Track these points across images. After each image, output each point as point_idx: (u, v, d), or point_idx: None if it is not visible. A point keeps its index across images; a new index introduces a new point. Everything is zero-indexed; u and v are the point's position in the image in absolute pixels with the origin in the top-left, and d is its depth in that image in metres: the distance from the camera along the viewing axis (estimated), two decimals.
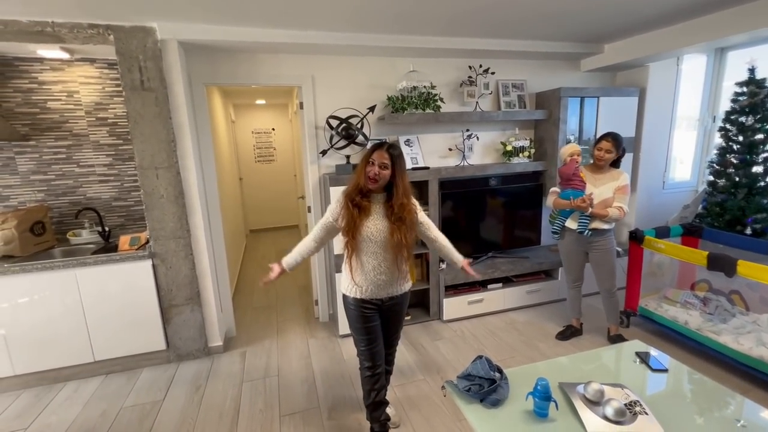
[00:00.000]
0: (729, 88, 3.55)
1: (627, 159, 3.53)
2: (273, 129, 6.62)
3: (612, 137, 2.46)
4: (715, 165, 3.22)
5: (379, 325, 1.79)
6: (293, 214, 6.83)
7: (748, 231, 2.91)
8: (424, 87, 2.96)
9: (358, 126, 2.86)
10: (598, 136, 3.38)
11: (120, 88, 2.64)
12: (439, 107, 3.02)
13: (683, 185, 3.85)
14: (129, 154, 2.81)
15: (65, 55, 2.51)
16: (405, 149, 3.07)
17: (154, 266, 2.51)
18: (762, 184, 2.94)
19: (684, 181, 3.87)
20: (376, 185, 1.62)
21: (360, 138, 2.87)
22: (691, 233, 2.93)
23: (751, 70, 2.98)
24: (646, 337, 2.79)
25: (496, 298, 3.24)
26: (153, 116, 2.35)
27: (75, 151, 2.74)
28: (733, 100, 3.08)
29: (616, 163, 2.55)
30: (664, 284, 3.00)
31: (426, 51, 2.92)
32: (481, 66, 3.18)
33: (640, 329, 2.91)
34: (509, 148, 3.30)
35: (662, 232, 2.86)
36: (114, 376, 2.55)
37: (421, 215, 1.80)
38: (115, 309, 2.48)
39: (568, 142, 3.33)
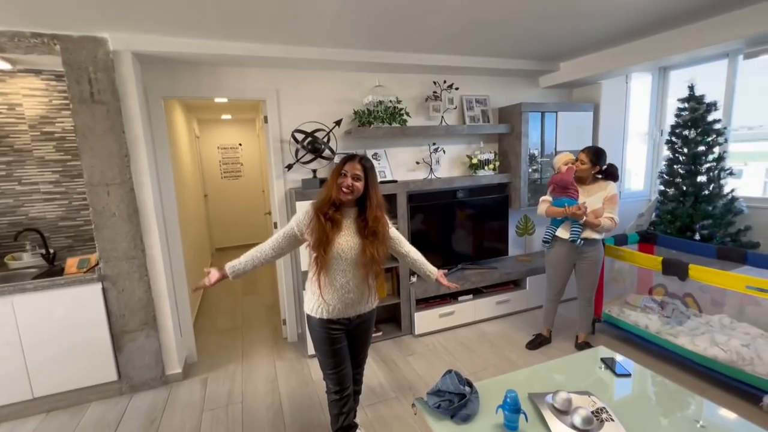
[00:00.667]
0: (673, 104, 3.82)
1: None
2: (240, 144, 6.48)
3: (590, 150, 2.54)
4: (664, 175, 3.42)
5: (346, 346, 1.71)
6: (261, 231, 6.62)
7: (697, 236, 3.09)
8: (390, 101, 2.99)
9: (325, 140, 2.84)
10: (557, 149, 3.55)
11: (68, 101, 2.49)
12: (405, 121, 3.05)
13: (638, 195, 4.06)
14: (78, 171, 2.63)
15: (6, 66, 2.34)
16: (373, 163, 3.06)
17: (104, 290, 2.33)
18: (706, 192, 3.14)
19: (638, 191, 4.09)
20: (349, 197, 1.56)
21: (326, 152, 2.84)
22: (646, 240, 3.08)
23: (691, 87, 3.22)
24: (610, 342, 2.86)
25: (467, 309, 3.24)
26: (104, 130, 2.22)
27: (16, 168, 2.54)
28: (677, 115, 3.31)
29: (611, 176, 2.57)
30: (625, 290, 3.12)
31: (391, 66, 2.96)
32: (445, 81, 3.26)
33: (605, 335, 2.99)
34: (475, 161, 3.37)
35: (621, 240, 2.99)
36: (56, 414, 2.31)
37: (392, 230, 1.75)
38: (58, 338, 2.27)
39: (532, 156, 3.45)
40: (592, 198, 2.53)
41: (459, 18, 2.23)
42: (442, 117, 3.30)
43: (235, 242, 6.65)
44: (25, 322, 2.19)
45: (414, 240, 3.15)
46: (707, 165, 3.17)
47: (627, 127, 3.89)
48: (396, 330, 3.15)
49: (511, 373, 1.73)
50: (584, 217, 2.43)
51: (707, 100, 3.13)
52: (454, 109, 3.38)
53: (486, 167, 3.40)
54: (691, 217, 3.17)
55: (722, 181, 3.12)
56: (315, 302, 1.65)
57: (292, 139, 2.84)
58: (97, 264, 2.37)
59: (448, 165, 3.48)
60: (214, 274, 1.62)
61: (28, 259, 2.54)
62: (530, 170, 3.46)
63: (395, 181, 3.01)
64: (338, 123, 2.88)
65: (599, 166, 2.53)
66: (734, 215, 3.05)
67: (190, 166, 4.62)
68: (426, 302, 3.16)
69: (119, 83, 2.25)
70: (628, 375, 1.71)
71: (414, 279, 3.14)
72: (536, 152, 3.47)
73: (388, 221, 1.71)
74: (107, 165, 2.25)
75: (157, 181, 2.59)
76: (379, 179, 2.98)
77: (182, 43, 2.33)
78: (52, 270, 2.47)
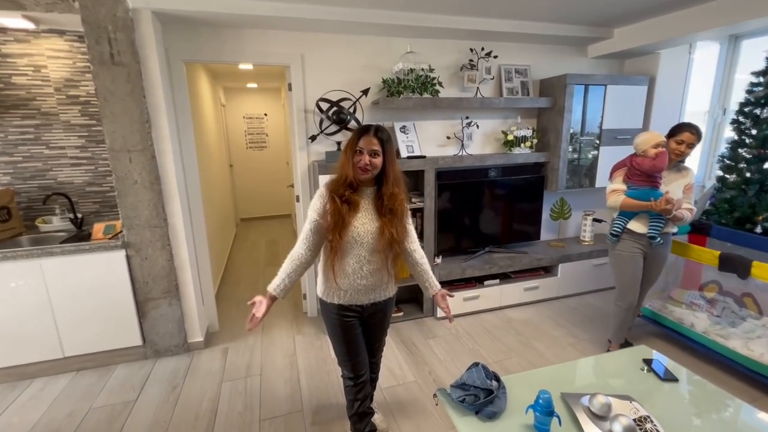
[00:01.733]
0: (741, 80, 3.38)
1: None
2: (265, 114, 6.39)
3: (694, 129, 2.10)
4: (726, 159, 3.06)
5: (361, 333, 1.62)
6: (286, 203, 6.64)
7: (759, 229, 2.77)
8: (422, 70, 2.77)
9: (351, 110, 2.68)
10: (603, 126, 3.23)
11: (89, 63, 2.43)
12: (437, 92, 2.83)
13: None
14: (102, 136, 2.61)
15: (30, 25, 2.29)
16: (401, 136, 2.89)
17: (128, 257, 2.34)
18: None
19: None
20: (368, 176, 1.42)
21: (352, 123, 2.69)
22: (698, 231, 2.79)
23: None
24: (649, 340, 2.67)
25: (493, 294, 3.10)
26: (124, 94, 2.15)
27: (44, 131, 2.54)
28: (748, 91, 2.91)
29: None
30: (668, 284, 2.87)
31: (425, 30, 2.72)
32: (483, 49, 2.99)
33: (642, 331, 2.78)
34: (510, 137, 3.12)
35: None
36: (85, 373, 2.39)
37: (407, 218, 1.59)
38: (86, 302, 2.31)
39: (573, 135, 3.16)
40: (672, 186, 2.16)
41: None
42: (477, 88, 3.05)
43: (259, 213, 6.70)
44: (54, 284, 2.24)
45: (441, 219, 3.00)
46: None
47: (685, 104, 3.49)
48: (417, 311, 3.06)
49: (542, 368, 1.60)
50: (673, 212, 2.05)
51: None
52: (492, 79, 3.11)
53: (522, 145, 3.15)
54: (753, 208, 2.83)
55: None
56: (327, 287, 1.55)
57: (316, 109, 2.69)
58: (121, 231, 2.37)
59: (481, 141, 3.24)
60: (261, 304, 1.43)
61: (57, 222, 2.58)
62: (570, 149, 3.18)
63: (424, 157, 2.84)
64: (365, 92, 2.71)
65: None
66: None
67: (215, 134, 4.58)
68: (450, 285, 3.03)
69: (139, 44, 2.15)
70: (675, 380, 1.54)
71: (438, 260, 3.01)
72: (576, 130, 3.17)
73: (406, 200, 1.55)
74: (128, 131, 2.19)
75: (180, 149, 2.53)
76: (406, 154, 2.83)
77: (200, 1, 2.19)
78: (80, 234, 2.50)
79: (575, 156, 3.24)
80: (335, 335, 1.60)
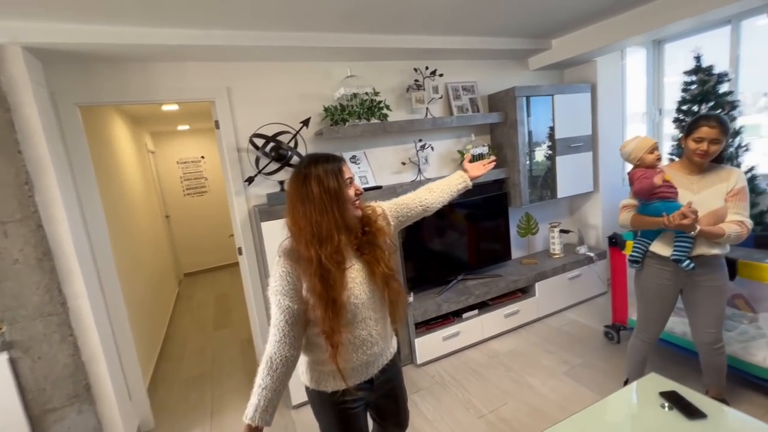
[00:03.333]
0: (670, 82, 3.54)
1: (586, 157, 3.34)
2: (202, 157, 5.88)
3: (718, 120, 1.61)
4: (675, 157, 3.10)
5: (366, 418, 1.25)
6: (233, 250, 6.05)
7: None
8: (366, 94, 2.53)
9: (291, 144, 2.35)
10: (556, 136, 3.17)
11: None
12: (386, 116, 2.59)
13: None
14: None
15: None
16: (352, 168, 2.59)
17: (12, 361, 1.77)
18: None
19: None
20: (360, 211, 1.13)
21: (295, 158, 2.36)
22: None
23: (698, 58, 2.90)
24: None
25: (473, 327, 2.81)
26: None
27: None
28: (684, 90, 2.99)
29: (718, 159, 1.72)
30: None
31: (364, 52, 2.51)
32: (427, 68, 2.83)
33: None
34: (467, 156, 2.95)
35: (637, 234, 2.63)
36: None
37: (388, 205, 1.31)
38: None
39: (531, 147, 3.06)
40: (706, 194, 1.66)
41: None
42: (427, 109, 2.86)
43: (206, 265, 6.04)
44: None
45: (407, 251, 2.71)
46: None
47: (625, 107, 3.56)
48: None
49: (552, 428, 1.30)
50: (696, 227, 1.57)
51: (716, 70, 2.83)
52: (440, 98, 2.95)
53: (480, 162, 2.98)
54: None
55: (740, 159, 2.81)
56: (320, 372, 1.15)
57: (250, 146, 2.34)
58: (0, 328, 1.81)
59: (438, 163, 3.04)
60: None
61: None
62: (528, 162, 3.07)
63: (380, 187, 2.56)
64: (306, 123, 2.40)
65: (726, 143, 1.68)
66: (757, 195, 2.75)
67: (141, 185, 4.03)
68: (426, 325, 2.71)
69: (8, 87, 1.70)
70: (704, 416, 1.31)
71: (411, 298, 2.70)
72: (532, 142, 3.07)
73: (379, 204, 1.28)
74: (0, 197, 1.70)
75: (80, 212, 2.05)
76: (361, 186, 2.53)
77: (91, 32, 1.80)
78: None
79: (533, 168, 3.13)
80: None
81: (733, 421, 1.29)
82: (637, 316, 1.96)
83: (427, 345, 2.66)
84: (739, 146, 2.81)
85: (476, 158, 2.96)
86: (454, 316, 2.81)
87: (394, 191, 2.55)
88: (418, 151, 2.85)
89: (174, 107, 3.71)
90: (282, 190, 2.36)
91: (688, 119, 2.95)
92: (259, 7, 1.84)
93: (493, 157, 1.56)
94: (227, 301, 4.53)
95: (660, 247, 1.77)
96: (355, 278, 1.09)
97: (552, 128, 3.13)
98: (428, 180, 2.77)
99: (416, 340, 2.62)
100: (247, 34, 2.10)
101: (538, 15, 2.45)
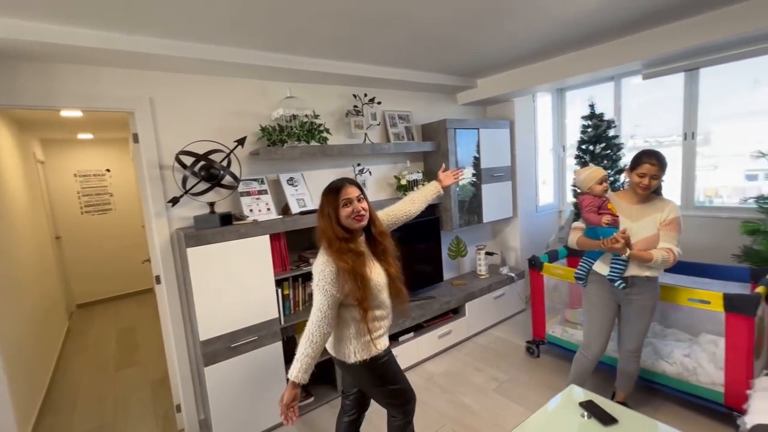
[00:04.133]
0: (571, 123, 4.12)
1: (507, 186, 3.69)
2: (107, 170, 5.20)
3: (656, 157, 1.81)
4: (577, 188, 3.58)
5: None
6: (144, 276, 5.37)
7: None
8: (306, 116, 2.50)
9: (224, 164, 2.20)
10: (482, 166, 3.46)
11: None
12: (326, 139, 2.58)
13: (550, 207, 4.24)
14: None
15: None
16: (288, 189, 2.51)
17: None
18: None
19: (549, 204, 4.27)
20: (364, 222, 1.47)
21: (228, 179, 2.21)
22: (574, 254, 3.11)
23: (592, 106, 3.43)
24: (558, 366, 2.75)
25: (410, 350, 2.85)
26: None
27: None
28: (582, 132, 3.50)
29: (657, 191, 1.92)
30: (561, 305, 3.09)
31: (304, 74, 2.49)
32: (366, 95, 2.90)
33: (550, 357, 2.88)
34: (404, 181, 3.06)
35: (553, 256, 2.95)
36: None
37: (382, 215, 1.68)
38: None
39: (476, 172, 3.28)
40: (644, 222, 1.86)
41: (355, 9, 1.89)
42: (366, 134, 2.92)
43: (107, 293, 5.25)
44: None
45: None
46: (611, 178, 3.38)
47: (537, 143, 4.04)
48: (331, 391, 2.58)
49: None
50: (627, 251, 1.80)
51: (605, 117, 3.37)
52: (378, 125, 3.04)
53: (415, 188, 3.11)
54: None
55: None
56: (363, 342, 1.49)
57: (176, 164, 2.14)
58: None
59: (375, 187, 3.10)
60: (287, 395, 1.39)
61: None
62: (457, 189, 3.28)
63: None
64: (241, 142, 2.28)
65: (662, 177, 1.87)
66: None
67: (25, 200, 3.41)
68: None
69: None
70: (615, 422, 1.48)
71: None
72: (466, 169, 3.31)
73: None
74: None
75: None
76: (298, 209, 2.46)
77: None
78: None
79: (462, 195, 3.35)
80: (399, 376, 1.62)
81: (640, 424, 1.47)
82: (584, 332, 2.15)
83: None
84: (623, 183, 3.35)
85: (411, 183, 3.09)
86: (392, 339, 2.81)
87: None
88: (356, 175, 2.87)
89: (77, 113, 3.25)
90: (212, 212, 2.18)
91: (587, 157, 3.47)
92: (195, 17, 1.73)
93: (463, 168, 1.79)
94: (133, 336, 3.96)
95: (601, 267, 2.00)
96: (374, 269, 1.48)
97: (477, 158, 3.41)
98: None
99: None
100: (175, 43, 1.95)
101: (467, 56, 2.70)
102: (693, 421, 2.10)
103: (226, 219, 2.14)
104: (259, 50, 2.18)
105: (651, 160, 1.81)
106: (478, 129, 3.39)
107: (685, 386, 2.14)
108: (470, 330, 3.26)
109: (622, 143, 3.35)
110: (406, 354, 2.82)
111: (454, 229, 3.25)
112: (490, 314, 3.41)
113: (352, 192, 1.44)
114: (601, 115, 3.39)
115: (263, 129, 2.39)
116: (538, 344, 2.89)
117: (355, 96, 2.87)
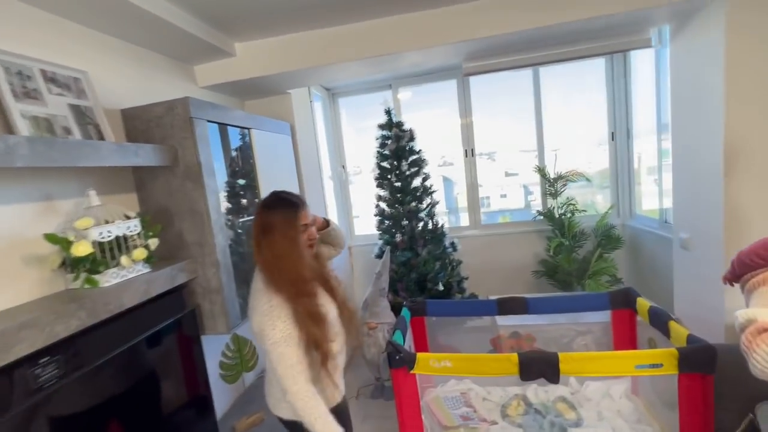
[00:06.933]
0: (351, 138, 3.31)
1: None
2: None
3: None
4: (384, 219, 2.72)
5: None
6: None
7: (441, 287, 2.56)
8: None
9: None
10: (263, 187, 1.93)
11: None
12: None
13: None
14: None
15: None
16: None
17: None
18: (430, 227, 2.69)
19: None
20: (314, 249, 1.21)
21: None
22: (415, 313, 2.13)
23: (388, 111, 2.68)
24: None
25: None
26: None
27: None
28: (382, 144, 2.69)
29: None
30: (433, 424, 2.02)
31: None
32: None
33: None
34: (80, 246, 1.11)
35: (401, 324, 1.85)
36: None
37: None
38: None
39: (229, 209, 1.63)
40: None
41: None
42: None
43: None
44: None
45: None
46: (427, 200, 2.73)
47: (321, 158, 2.92)
48: None
49: None
50: None
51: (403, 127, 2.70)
52: None
53: (122, 251, 1.22)
54: (425, 263, 2.62)
55: (436, 218, 2.76)
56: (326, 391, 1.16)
57: None
58: None
59: None
60: None
61: None
62: (229, 239, 1.64)
63: None
64: None
65: None
66: (454, 250, 2.76)
67: None
68: None
69: None
70: None
71: None
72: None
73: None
74: None
75: None
76: None
77: None
78: None
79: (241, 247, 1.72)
80: None
81: None
82: None
83: None
84: (431, 204, 2.76)
85: (107, 244, 1.19)
86: None
87: None
88: None
89: None
90: None
91: (392, 178, 2.68)
92: None
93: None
94: None
95: None
96: (325, 302, 1.17)
97: (252, 178, 1.88)
98: None
99: None
100: None
101: None
102: None
103: None
104: None
105: None
106: (248, 129, 1.88)
107: None
108: None
109: (426, 160, 2.74)
110: None
111: (231, 328, 1.56)
112: None
113: (308, 216, 1.15)
114: (401, 123, 2.70)
115: None
116: None
117: None
